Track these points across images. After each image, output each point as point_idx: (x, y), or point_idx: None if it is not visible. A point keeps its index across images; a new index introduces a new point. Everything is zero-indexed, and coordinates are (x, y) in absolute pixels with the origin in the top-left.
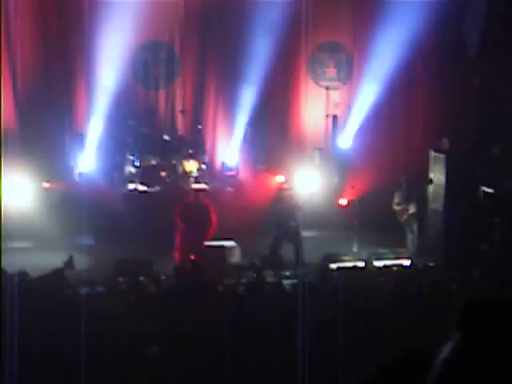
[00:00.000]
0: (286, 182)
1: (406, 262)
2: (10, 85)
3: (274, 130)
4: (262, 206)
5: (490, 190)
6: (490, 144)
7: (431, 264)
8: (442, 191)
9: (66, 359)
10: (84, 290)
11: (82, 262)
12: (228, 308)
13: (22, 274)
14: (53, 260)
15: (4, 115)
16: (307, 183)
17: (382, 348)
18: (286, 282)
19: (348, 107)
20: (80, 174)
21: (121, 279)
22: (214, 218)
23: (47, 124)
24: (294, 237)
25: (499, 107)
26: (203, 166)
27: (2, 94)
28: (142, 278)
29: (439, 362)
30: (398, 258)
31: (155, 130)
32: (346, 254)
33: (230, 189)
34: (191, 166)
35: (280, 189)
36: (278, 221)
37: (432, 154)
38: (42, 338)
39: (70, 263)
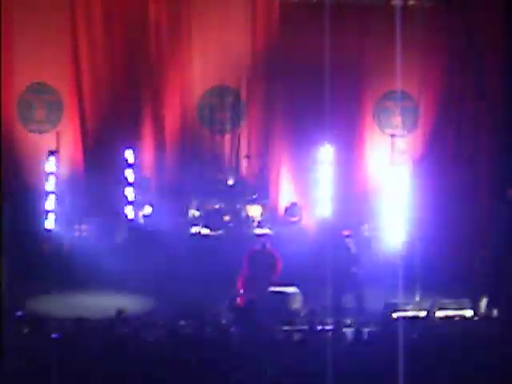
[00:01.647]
0: (347, 228)
1: (469, 313)
2: (79, 126)
3: (339, 175)
4: (325, 253)
5: None
6: None
7: (495, 316)
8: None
9: None
10: (146, 334)
11: (144, 304)
12: (286, 354)
13: (79, 321)
14: (115, 302)
15: (72, 155)
16: (371, 230)
17: None
18: (346, 330)
19: (413, 156)
20: (145, 215)
21: (183, 322)
22: (279, 266)
23: (114, 165)
24: (355, 285)
25: None
26: (266, 211)
27: (71, 134)
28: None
29: None
30: (461, 309)
31: (220, 174)
32: (407, 303)
33: (292, 234)
34: (255, 210)
35: (342, 235)
36: (339, 268)
37: (498, 202)
38: None
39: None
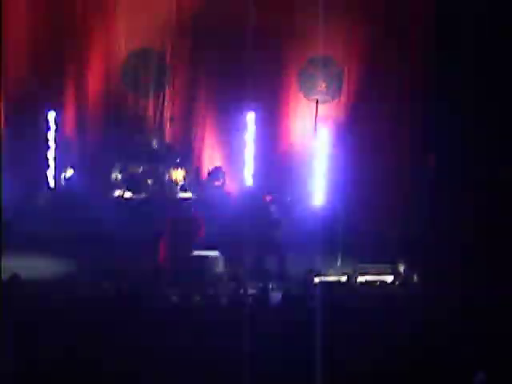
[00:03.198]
0: (270, 193)
1: (389, 278)
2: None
3: (262, 141)
4: (248, 217)
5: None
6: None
7: (415, 281)
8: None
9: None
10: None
11: (66, 267)
12: (209, 318)
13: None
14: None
15: None
16: (293, 195)
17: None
18: (268, 294)
19: (337, 122)
20: (66, 178)
21: (106, 285)
22: (201, 230)
23: (35, 126)
24: (277, 249)
25: None
26: (190, 175)
27: None
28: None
29: None
30: (382, 274)
31: (143, 138)
32: (329, 268)
33: (215, 198)
34: (178, 174)
35: (264, 200)
36: (261, 232)
37: (418, 170)
38: (28, 347)
39: None
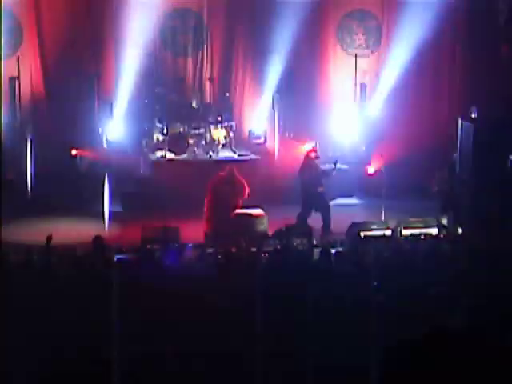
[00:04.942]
0: (313, 149)
1: (434, 231)
2: (38, 50)
3: (302, 97)
4: (290, 174)
5: None
6: None
7: (459, 233)
8: (469, 160)
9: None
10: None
11: (110, 229)
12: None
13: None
14: (81, 227)
15: (32, 82)
16: (335, 151)
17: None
18: (313, 250)
19: (376, 75)
20: (108, 141)
21: (149, 246)
22: (245, 192)
23: (75, 90)
24: (322, 205)
25: None
26: (231, 134)
27: (31, 60)
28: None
29: None
30: (426, 227)
31: (183, 98)
32: (373, 223)
33: (257, 156)
34: (219, 133)
35: (307, 156)
36: (305, 189)
37: (460, 122)
38: (75, 306)
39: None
